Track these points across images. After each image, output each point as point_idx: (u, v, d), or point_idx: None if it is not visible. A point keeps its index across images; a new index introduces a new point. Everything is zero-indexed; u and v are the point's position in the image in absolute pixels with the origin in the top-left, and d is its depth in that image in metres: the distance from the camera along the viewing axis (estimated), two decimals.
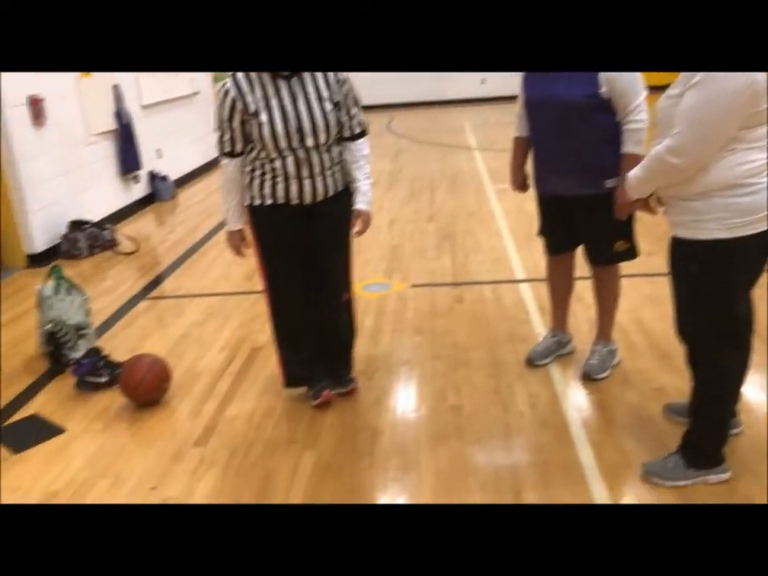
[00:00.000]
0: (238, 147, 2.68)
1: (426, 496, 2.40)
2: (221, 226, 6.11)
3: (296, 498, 2.43)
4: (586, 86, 2.62)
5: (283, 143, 2.59)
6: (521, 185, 3.15)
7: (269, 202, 2.72)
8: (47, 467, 2.73)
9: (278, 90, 2.59)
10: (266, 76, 2.59)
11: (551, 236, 3.09)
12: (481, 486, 2.43)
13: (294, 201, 2.71)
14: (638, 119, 2.64)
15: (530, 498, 2.34)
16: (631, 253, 2.93)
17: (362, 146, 2.80)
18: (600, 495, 2.33)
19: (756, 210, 2.03)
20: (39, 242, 5.38)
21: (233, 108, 2.60)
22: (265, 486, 2.51)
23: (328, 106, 2.64)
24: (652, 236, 4.88)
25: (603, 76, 2.60)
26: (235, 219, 2.81)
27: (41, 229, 5.39)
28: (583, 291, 3.59)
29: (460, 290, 4.22)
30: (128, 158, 6.65)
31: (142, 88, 7.08)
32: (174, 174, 7.61)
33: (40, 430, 2.98)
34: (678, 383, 2.97)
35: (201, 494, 2.49)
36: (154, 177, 7.20)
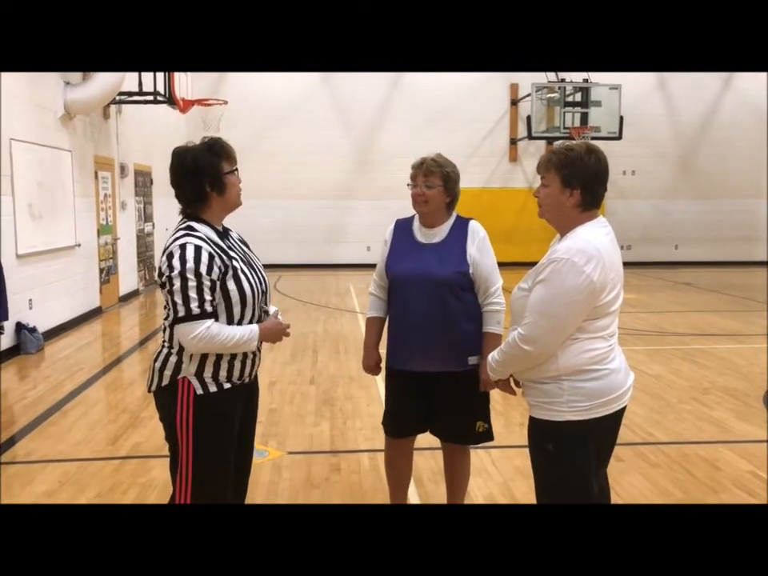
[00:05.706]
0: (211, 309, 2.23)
1: None
2: (87, 383, 5.79)
3: None
4: (456, 265, 2.76)
5: (256, 305, 2.33)
6: (375, 366, 3.05)
7: (227, 385, 2.31)
8: None
9: (229, 248, 2.33)
10: (210, 231, 2.30)
11: (401, 417, 2.96)
12: None
13: (246, 378, 2.40)
14: (498, 302, 2.83)
15: None
16: (489, 434, 2.94)
17: None
18: None
19: (602, 394, 2.17)
20: None
21: (210, 266, 2.20)
22: None
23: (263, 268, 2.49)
24: (521, 408, 5.05)
25: (471, 258, 2.77)
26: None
27: None
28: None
29: (337, 459, 4.13)
30: None
31: (19, 237, 6.89)
32: (43, 325, 7.26)
33: None
34: None
35: None
36: (21, 327, 6.82)
